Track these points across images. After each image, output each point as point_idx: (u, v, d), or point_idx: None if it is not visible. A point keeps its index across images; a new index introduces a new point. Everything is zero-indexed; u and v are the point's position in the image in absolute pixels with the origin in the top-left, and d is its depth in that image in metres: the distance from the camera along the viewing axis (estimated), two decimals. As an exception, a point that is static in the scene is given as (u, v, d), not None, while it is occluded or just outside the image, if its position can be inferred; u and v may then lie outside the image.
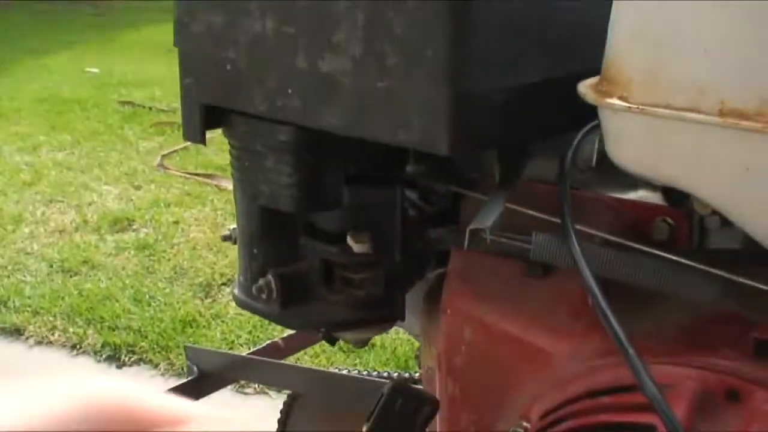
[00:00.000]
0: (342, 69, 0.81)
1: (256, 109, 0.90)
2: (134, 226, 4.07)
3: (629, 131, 0.74)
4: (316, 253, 0.98)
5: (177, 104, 5.39)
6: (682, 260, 0.74)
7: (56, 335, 3.24)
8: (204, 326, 3.18)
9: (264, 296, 0.99)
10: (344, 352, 2.93)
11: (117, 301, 3.38)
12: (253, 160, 0.94)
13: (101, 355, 3.10)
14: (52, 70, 7.11)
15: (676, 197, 0.89)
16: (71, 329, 3.25)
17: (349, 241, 0.94)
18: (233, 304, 3.51)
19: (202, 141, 0.97)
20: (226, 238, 1.08)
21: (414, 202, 1.08)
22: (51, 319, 3.31)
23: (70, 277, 3.61)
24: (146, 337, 3.13)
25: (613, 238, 0.80)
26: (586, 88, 0.77)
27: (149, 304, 3.37)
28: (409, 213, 1.06)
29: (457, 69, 0.75)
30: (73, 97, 6.25)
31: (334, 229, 0.97)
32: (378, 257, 0.97)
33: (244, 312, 3.35)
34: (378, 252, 0.97)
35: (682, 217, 0.86)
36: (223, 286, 3.46)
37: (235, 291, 1.05)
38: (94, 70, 7.08)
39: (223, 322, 3.20)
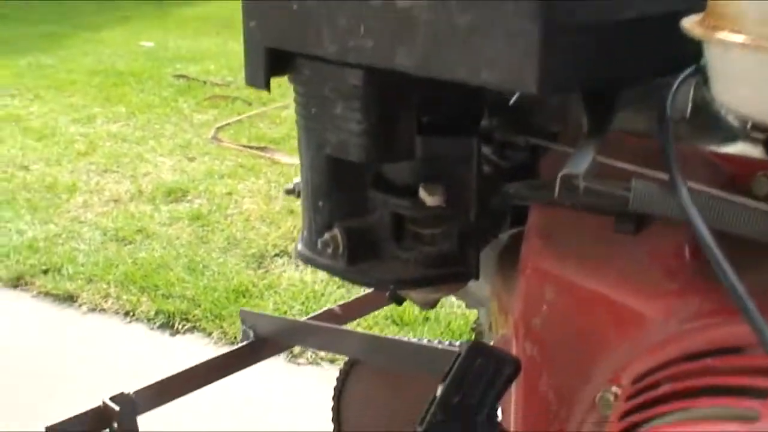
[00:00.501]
0: (419, 3, 0.75)
1: (324, 52, 0.84)
2: (188, 197, 4.07)
3: (741, 69, 0.67)
4: (385, 206, 0.92)
5: (231, 78, 5.43)
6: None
7: (109, 302, 3.25)
8: (257, 296, 3.16)
9: (330, 251, 0.93)
10: (397, 325, 2.88)
11: (171, 269, 3.38)
12: (321, 106, 0.89)
13: (154, 323, 3.10)
14: (107, 44, 7.15)
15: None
16: (125, 297, 3.25)
17: (421, 193, 0.88)
18: (286, 275, 3.49)
19: (267, 87, 0.92)
20: (289, 192, 1.03)
21: (489, 157, 1.02)
22: (104, 286, 3.32)
23: (125, 245, 3.62)
24: (200, 306, 3.12)
25: (714, 191, 0.73)
26: (691, 23, 0.70)
27: (203, 274, 3.36)
28: (485, 168, 0.99)
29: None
30: (128, 70, 6.28)
31: (405, 182, 0.91)
32: (451, 212, 0.91)
33: (297, 283, 3.32)
34: (451, 206, 0.91)
35: (787, 170, 0.79)
36: (275, 258, 3.44)
37: (299, 246, 1.00)
38: (149, 44, 7.09)
39: (276, 292, 3.18)
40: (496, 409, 0.78)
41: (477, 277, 0.95)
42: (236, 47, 5.39)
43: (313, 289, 3.16)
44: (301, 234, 1.00)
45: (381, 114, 0.86)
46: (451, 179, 0.90)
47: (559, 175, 0.69)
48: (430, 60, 0.76)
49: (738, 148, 0.84)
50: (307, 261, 0.98)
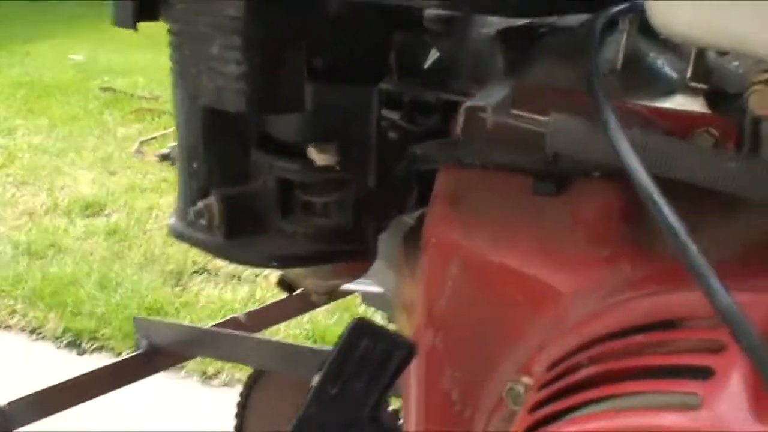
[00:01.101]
0: None
1: (198, -23, 0.71)
2: (106, 211, 3.88)
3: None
4: (270, 170, 0.79)
5: (159, 92, 5.22)
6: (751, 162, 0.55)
7: (15, 319, 3.04)
8: (172, 314, 2.98)
9: (204, 222, 0.79)
10: (317, 344, 2.72)
11: (82, 286, 3.19)
12: (195, 46, 0.75)
13: (61, 341, 2.90)
14: (35, 57, 6.91)
15: (720, 103, 0.71)
16: (32, 313, 3.05)
17: (311, 153, 0.75)
18: (205, 293, 3.31)
19: (134, 25, 0.78)
20: (164, 157, 0.88)
21: (396, 122, 0.89)
22: (11, 302, 3.11)
23: (36, 260, 3.41)
24: (110, 324, 2.93)
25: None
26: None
27: (115, 291, 3.17)
28: (391, 134, 0.87)
29: None
30: (55, 82, 6.06)
31: (293, 139, 0.78)
32: (347, 177, 0.78)
33: (215, 301, 3.15)
34: (346, 170, 0.78)
35: (730, 126, 0.67)
36: (194, 275, 3.27)
37: (171, 220, 0.85)
38: (78, 57, 6.88)
39: (192, 311, 3.00)
40: (386, 403, 0.64)
41: (374, 258, 0.81)
42: (168, 62, 5.21)
43: (233, 308, 2.98)
44: (175, 205, 0.85)
45: (264, 53, 0.73)
46: (346, 137, 0.77)
47: (463, 107, 0.57)
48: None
49: (676, 102, 0.72)
50: (179, 236, 0.84)
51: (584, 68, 0.75)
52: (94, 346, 2.88)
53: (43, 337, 2.98)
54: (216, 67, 0.74)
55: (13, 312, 3.12)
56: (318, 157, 0.74)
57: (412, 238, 0.90)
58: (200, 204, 0.79)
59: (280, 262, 0.80)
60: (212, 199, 0.79)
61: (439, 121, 0.89)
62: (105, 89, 5.78)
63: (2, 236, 3.66)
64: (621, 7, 0.70)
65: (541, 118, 0.58)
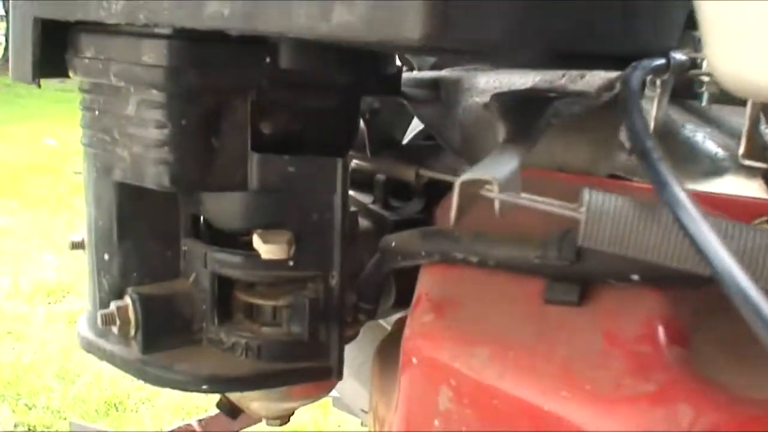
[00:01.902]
0: None
1: (107, 13, 0.54)
2: (69, 297, 3.67)
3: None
4: (204, 263, 0.61)
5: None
6: None
7: (-35, 411, 2.80)
8: (131, 410, 2.75)
9: (117, 331, 0.61)
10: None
11: (38, 376, 2.96)
12: (107, 104, 0.58)
13: (12, 437, 2.67)
14: (10, 139, 6.79)
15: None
16: (-18, 404, 2.81)
17: (257, 243, 0.57)
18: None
19: (35, 80, 0.61)
20: (75, 246, 0.70)
21: (370, 208, 0.72)
22: (-38, 393, 2.88)
23: (-8, 348, 3.19)
24: (65, 419, 2.70)
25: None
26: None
27: (74, 382, 2.94)
28: (363, 223, 0.70)
29: None
30: (27, 165, 5.93)
31: (233, 225, 0.60)
32: (303, 275, 0.60)
33: (178, 396, 2.94)
34: (303, 266, 0.60)
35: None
36: (159, 367, 3.04)
37: (79, 325, 0.67)
38: (52, 141, 6.78)
39: (153, 406, 2.77)
40: None
41: (340, 375, 0.63)
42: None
43: (196, 404, 2.76)
44: (85, 307, 0.67)
45: (193, 114, 0.56)
46: (303, 224, 0.59)
47: (458, 182, 0.39)
48: (250, 8, 0.46)
49: (727, 185, 0.56)
50: (89, 348, 0.65)
51: (604, 144, 0.59)
52: (47, 442, 2.65)
53: (-9, 431, 2.75)
54: (132, 131, 0.57)
55: (-37, 403, 2.88)
56: (265, 249, 0.57)
57: (388, 350, 0.73)
58: (112, 306, 0.61)
59: (216, 385, 0.61)
60: (127, 301, 0.61)
61: (421, 205, 0.72)
62: (78, 173, 5.63)
63: (-42, 323, 3.44)
64: (658, 61, 0.54)
65: (569, 204, 0.41)
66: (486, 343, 0.52)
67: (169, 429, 1.42)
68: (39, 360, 3.16)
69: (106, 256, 0.62)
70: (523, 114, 0.57)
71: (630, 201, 0.40)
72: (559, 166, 0.66)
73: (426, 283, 0.58)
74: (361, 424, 1.15)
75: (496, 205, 0.40)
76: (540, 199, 0.41)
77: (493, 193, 0.39)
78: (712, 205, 0.56)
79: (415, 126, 0.85)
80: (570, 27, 0.49)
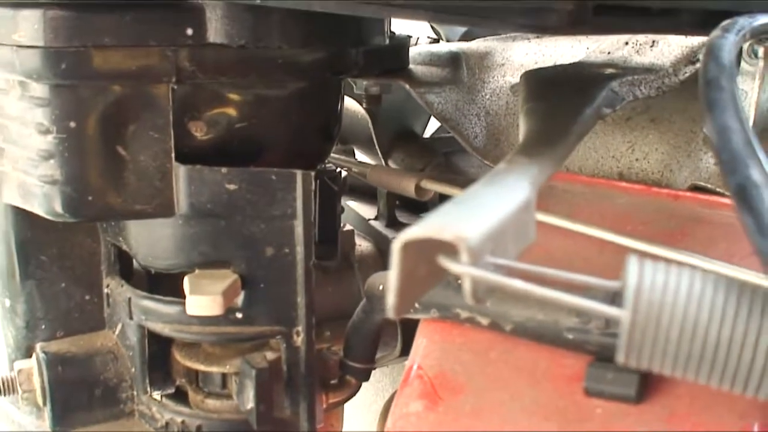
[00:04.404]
0: None
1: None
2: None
3: None
4: (129, 313, 0.45)
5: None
6: None
7: None
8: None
9: (19, 399, 0.46)
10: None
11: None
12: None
13: None
14: None
15: None
16: None
17: (186, 290, 0.41)
18: None
19: None
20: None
21: (371, 226, 0.55)
22: None
23: None
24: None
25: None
26: None
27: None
28: (359, 246, 0.53)
29: None
30: None
31: (161, 265, 0.44)
32: (259, 330, 0.44)
33: None
34: (258, 318, 0.43)
35: None
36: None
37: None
38: None
39: None
40: None
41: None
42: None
43: None
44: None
45: (87, 113, 0.40)
46: (253, 261, 0.43)
47: (396, 245, 0.22)
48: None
49: None
50: (6, 420, 0.50)
51: (684, 142, 0.41)
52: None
53: None
54: (17, 139, 0.41)
55: None
56: (193, 301, 0.40)
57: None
58: (14, 368, 0.46)
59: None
60: (33, 362, 0.46)
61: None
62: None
63: None
64: (762, 20, 0.35)
65: (603, 283, 0.23)
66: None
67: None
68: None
69: (8, 302, 0.47)
70: (561, 102, 0.39)
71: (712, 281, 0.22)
72: (620, 173, 0.47)
73: (420, 350, 0.40)
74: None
75: (466, 285, 0.22)
76: (551, 271, 0.23)
77: (460, 265, 0.21)
78: None
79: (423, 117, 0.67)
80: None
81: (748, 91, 0.44)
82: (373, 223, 0.58)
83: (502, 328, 0.37)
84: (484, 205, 0.24)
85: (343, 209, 0.54)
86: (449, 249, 0.22)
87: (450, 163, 0.61)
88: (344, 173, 0.54)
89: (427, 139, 0.65)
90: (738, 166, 0.24)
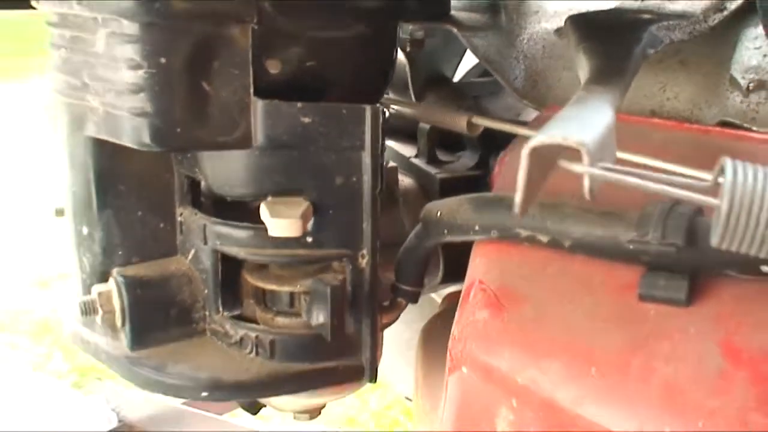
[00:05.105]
0: None
1: None
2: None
3: None
4: (204, 238, 0.49)
5: None
6: None
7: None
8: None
9: (99, 320, 0.50)
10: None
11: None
12: (75, 41, 0.46)
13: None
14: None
15: None
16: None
17: (264, 215, 0.45)
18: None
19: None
20: (61, 213, 0.58)
21: (410, 161, 0.59)
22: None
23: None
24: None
25: None
26: None
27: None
28: (402, 181, 0.57)
29: None
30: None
31: (237, 192, 0.48)
32: (327, 252, 0.48)
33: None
34: (326, 241, 0.47)
35: None
36: None
37: (63, 314, 0.56)
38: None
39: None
40: None
41: (374, 377, 0.51)
42: None
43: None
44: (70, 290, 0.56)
45: (176, 50, 0.43)
46: (323, 190, 0.47)
47: (526, 150, 0.26)
48: None
49: None
50: (74, 339, 0.54)
51: (713, 81, 0.46)
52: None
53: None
54: (102, 73, 0.44)
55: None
56: (274, 224, 0.44)
57: (436, 333, 0.60)
58: (94, 292, 0.50)
59: (218, 392, 0.49)
60: (111, 285, 0.50)
61: (476, 159, 0.59)
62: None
63: None
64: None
65: (698, 178, 0.28)
66: (560, 354, 0.39)
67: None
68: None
69: (85, 230, 0.51)
70: (612, 42, 0.43)
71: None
72: (652, 110, 0.52)
73: (480, 267, 0.45)
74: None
75: (585, 183, 0.26)
76: (649, 174, 0.27)
77: (582, 166, 0.25)
78: None
79: (470, 60, 0.71)
80: None
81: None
82: (414, 160, 0.62)
83: (562, 244, 0.42)
84: (585, 120, 0.28)
85: (384, 147, 0.58)
86: (569, 154, 0.26)
87: (479, 106, 0.65)
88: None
89: (457, 83, 0.69)
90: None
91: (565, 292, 0.41)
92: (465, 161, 0.61)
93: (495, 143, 0.59)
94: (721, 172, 0.27)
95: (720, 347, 0.36)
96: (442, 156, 0.62)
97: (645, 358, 0.37)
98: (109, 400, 1.25)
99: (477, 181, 0.59)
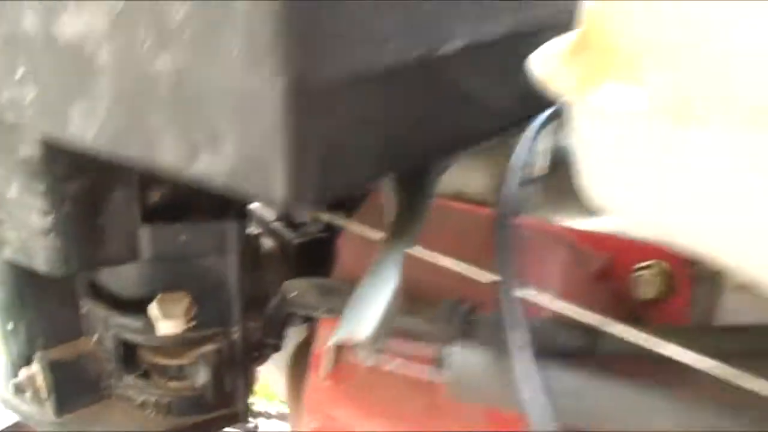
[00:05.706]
0: (94, 35, 0.44)
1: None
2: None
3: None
4: (106, 326, 0.62)
5: None
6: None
7: None
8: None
9: (30, 395, 0.62)
10: None
11: None
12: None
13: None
14: None
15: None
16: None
17: (153, 317, 0.58)
18: None
19: None
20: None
21: (272, 227, 0.72)
22: None
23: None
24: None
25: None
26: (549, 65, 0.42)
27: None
28: (265, 245, 0.70)
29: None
30: None
31: (129, 294, 0.61)
32: (206, 333, 0.62)
33: None
34: (205, 324, 0.61)
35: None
36: None
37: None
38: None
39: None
40: None
41: (246, 418, 0.66)
42: None
43: None
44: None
45: (78, 198, 0.55)
46: (200, 286, 0.60)
47: (326, 346, 0.41)
48: (116, 133, 0.45)
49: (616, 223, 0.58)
50: (7, 405, 0.66)
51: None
52: None
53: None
54: (18, 215, 0.56)
55: None
56: (163, 324, 0.58)
57: (301, 358, 0.75)
58: (23, 373, 0.62)
59: (132, 443, 0.64)
60: (36, 368, 0.62)
61: (323, 224, 0.73)
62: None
63: None
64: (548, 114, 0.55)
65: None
66: (380, 416, 0.54)
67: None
68: None
69: (12, 325, 0.63)
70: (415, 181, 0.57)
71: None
72: (455, 193, 0.65)
73: (324, 342, 0.59)
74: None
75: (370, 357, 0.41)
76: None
77: (363, 356, 0.40)
78: (596, 243, 0.58)
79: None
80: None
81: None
82: (273, 225, 0.74)
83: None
84: (372, 303, 0.42)
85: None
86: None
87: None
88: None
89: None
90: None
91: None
92: (316, 225, 0.74)
93: (340, 207, 0.72)
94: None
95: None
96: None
97: (437, 420, 0.52)
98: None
99: (329, 241, 0.72)
